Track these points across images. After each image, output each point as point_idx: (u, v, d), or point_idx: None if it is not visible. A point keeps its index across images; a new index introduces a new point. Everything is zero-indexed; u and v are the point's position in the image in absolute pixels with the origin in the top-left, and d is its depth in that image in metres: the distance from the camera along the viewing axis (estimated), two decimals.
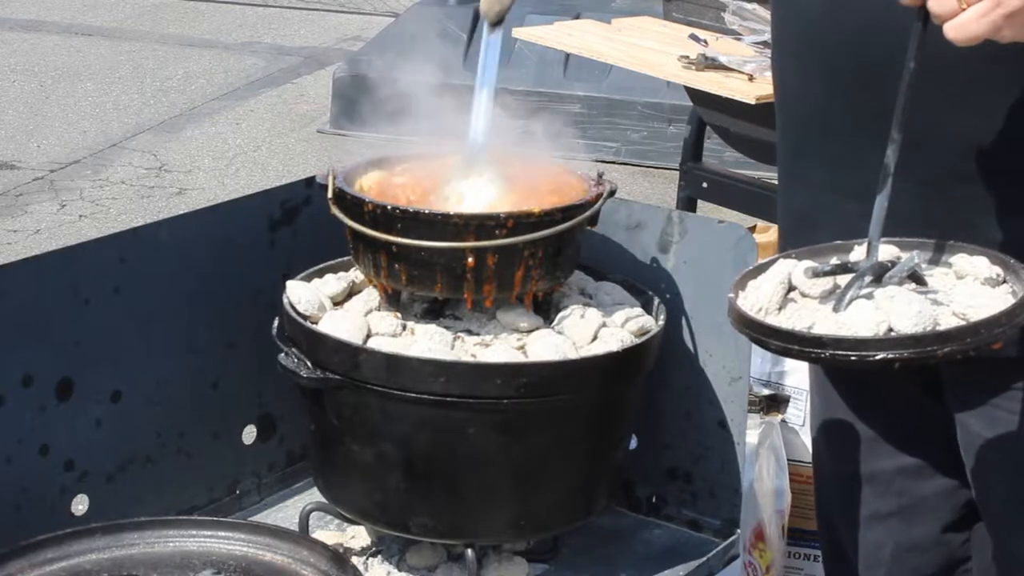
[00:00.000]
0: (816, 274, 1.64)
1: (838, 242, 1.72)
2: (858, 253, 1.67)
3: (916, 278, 1.61)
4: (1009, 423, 1.83)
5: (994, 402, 1.83)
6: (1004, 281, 1.62)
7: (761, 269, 1.69)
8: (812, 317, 1.59)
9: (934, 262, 1.68)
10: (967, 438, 1.89)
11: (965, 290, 1.61)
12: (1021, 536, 1.90)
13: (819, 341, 1.54)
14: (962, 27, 1.50)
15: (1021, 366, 1.79)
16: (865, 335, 1.52)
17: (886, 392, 1.98)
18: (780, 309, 1.64)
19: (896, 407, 2.00)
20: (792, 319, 1.61)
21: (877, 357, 1.51)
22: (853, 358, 1.52)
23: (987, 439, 1.87)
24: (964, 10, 1.50)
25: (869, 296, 1.58)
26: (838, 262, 1.67)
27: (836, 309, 1.58)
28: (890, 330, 1.52)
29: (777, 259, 1.71)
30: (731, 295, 1.65)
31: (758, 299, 1.64)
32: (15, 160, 6.31)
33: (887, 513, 2.05)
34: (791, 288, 1.67)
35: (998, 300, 1.56)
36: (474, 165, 2.17)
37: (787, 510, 2.74)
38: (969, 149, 1.71)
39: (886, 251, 1.65)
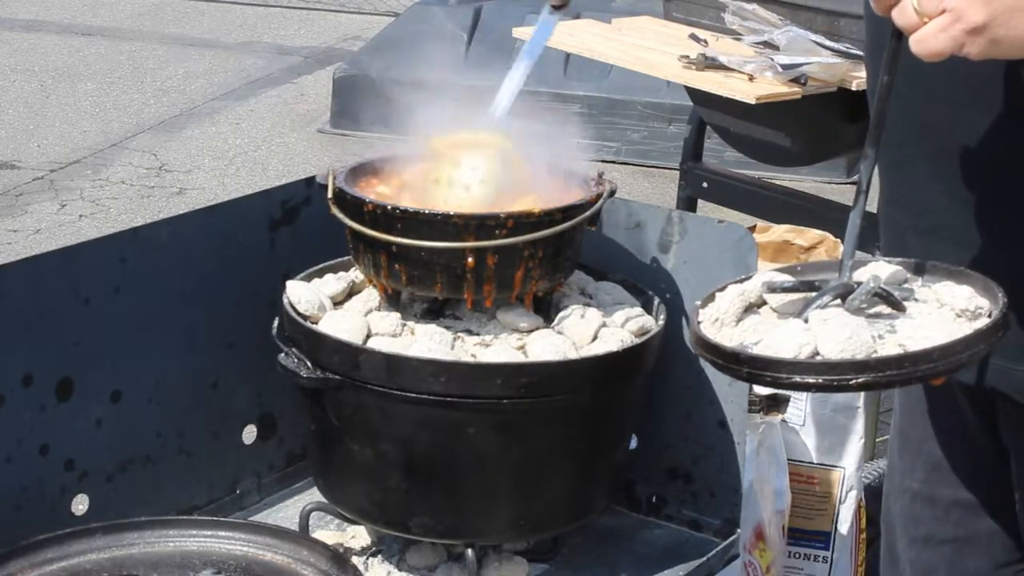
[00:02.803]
0: (772, 289, 1.61)
1: (858, 258, 1.68)
2: (872, 270, 1.62)
3: (891, 301, 1.55)
4: None
5: None
6: (988, 315, 1.55)
7: (741, 280, 1.67)
8: (764, 333, 1.56)
9: (927, 286, 1.63)
10: (1019, 481, 1.87)
11: (926, 319, 1.55)
12: None
13: (736, 358, 1.50)
14: (922, 42, 1.47)
15: None
16: (783, 356, 1.48)
17: (952, 425, 1.96)
18: (739, 321, 1.61)
19: (959, 441, 1.97)
20: (745, 333, 1.58)
21: (790, 380, 1.47)
22: (768, 379, 1.49)
23: None
24: (925, 24, 1.47)
25: (807, 318, 1.54)
26: (807, 278, 1.63)
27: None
28: (816, 353, 1.48)
29: (760, 272, 1.68)
30: (697, 303, 1.63)
31: (717, 308, 1.62)
32: (15, 160, 6.30)
33: (943, 539, 2.03)
34: (764, 302, 1.64)
35: (943, 334, 1.49)
36: (487, 131, 2.16)
37: (787, 510, 2.74)
38: (1010, 163, 1.69)
39: (886, 271, 1.62)
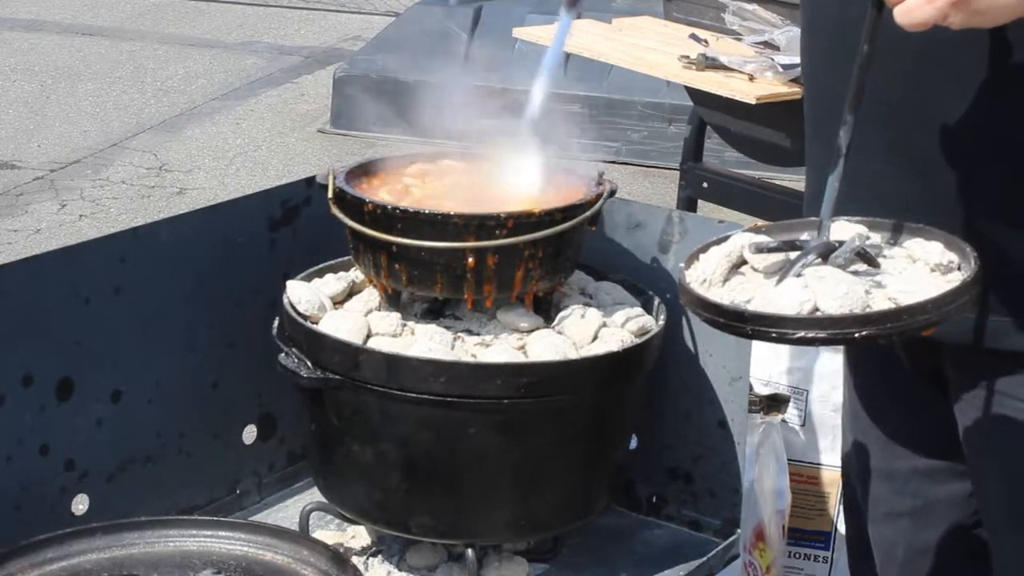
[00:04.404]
0: (759, 249, 1.65)
1: (812, 219, 1.72)
2: (840, 228, 1.67)
3: (867, 258, 1.61)
4: (998, 429, 1.83)
5: (986, 406, 1.83)
6: (958, 268, 1.61)
7: (718, 242, 1.70)
8: (753, 292, 1.60)
9: (893, 243, 1.68)
10: (966, 443, 1.89)
11: (907, 274, 1.61)
12: (1008, 545, 1.90)
13: (741, 316, 1.54)
14: (908, 12, 1.51)
15: (1016, 365, 1.79)
16: (787, 313, 1.52)
17: (903, 394, 1.98)
18: (725, 281, 1.64)
19: (912, 409, 2.00)
20: (734, 292, 1.61)
21: (796, 335, 1.51)
22: (774, 335, 1.52)
23: (981, 444, 1.87)
24: None
25: (802, 275, 1.58)
26: (788, 239, 1.67)
27: (776, 286, 1.59)
28: (816, 309, 1.52)
29: (736, 232, 1.72)
30: (682, 265, 1.66)
31: (704, 270, 1.65)
32: (15, 160, 6.30)
33: (901, 513, 2.05)
34: (745, 262, 1.67)
35: (932, 287, 1.55)
36: (525, 139, 2.17)
37: (787, 510, 2.74)
38: (945, 134, 1.72)
39: (852, 230, 1.66)
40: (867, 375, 2.04)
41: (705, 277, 1.64)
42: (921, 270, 1.62)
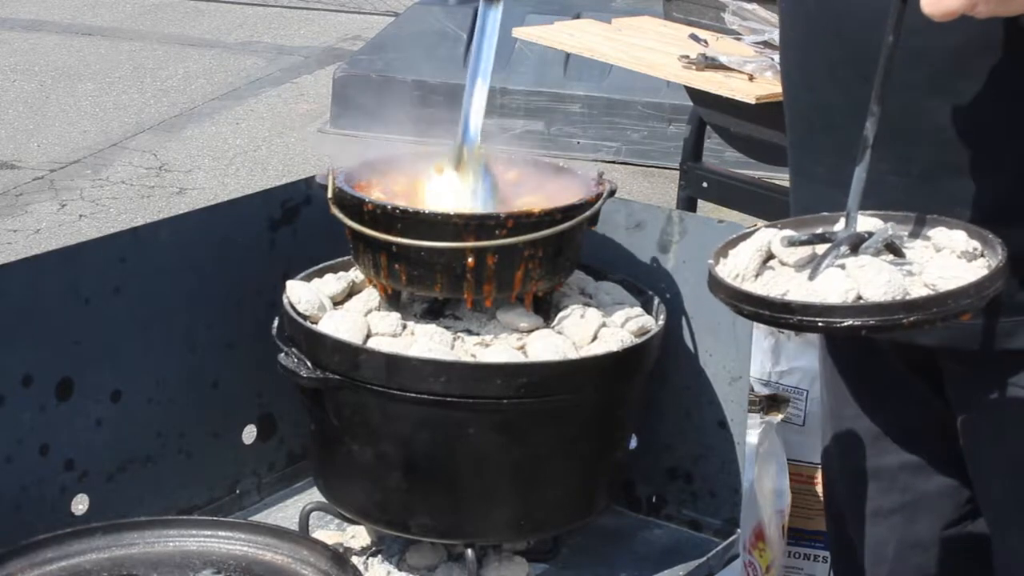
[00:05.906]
0: (792, 243, 1.66)
1: (824, 214, 1.73)
2: (843, 225, 1.68)
3: (894, 249, 1.62)
4: (1007, 421, 1.84)
5: (993, 400, 1.83)
6: (982, 255, 1.63)
7: (743, 237, 1.71)
8: (787, 284, 1.61)
9: (914, 235, 1.70)
10: (966, 436, 1.89)
11: (938, 262, 1.63)
12: (1016, 536, 1.90)
13: (788, 307, 1.55)
14: (937, 2, 1.51)
15: (1020, 362, 1.80)
16: (833, 302, 1.53)
17: (890, 389, 1.99)
18: (757, 276, 1.66)
19: (899, 404, 2.00)
20: (768, 286, 1.62)
21: (844, 324, 1.52)
22: (820, 324, 1.53)
23: (985, 437, 1.87)
24: None
25: (842, 265, 1.59)
26: (816, 232, 1.68)
27: (811, 277, 1.60)
28: (859, 298, 1.54)
29: (759, 228, 1.72)
30: (711, 261, 1.67)
31: (736, 265, 1.66)
32: (15, 160, 6.30)
33: (890, 509, 2.06)
34: (771, 257, 1.68)
35: (969, 272, 1.58)
36: (463, 161, 2.15)
37: (787, 510, 2.74)
38: (953, 141, 1.72)
39: (869, 223, 1.66)
40: (851, 372, 2.04)
41: (737, 272, 1.65)
42: (948, 257, 1.64)
